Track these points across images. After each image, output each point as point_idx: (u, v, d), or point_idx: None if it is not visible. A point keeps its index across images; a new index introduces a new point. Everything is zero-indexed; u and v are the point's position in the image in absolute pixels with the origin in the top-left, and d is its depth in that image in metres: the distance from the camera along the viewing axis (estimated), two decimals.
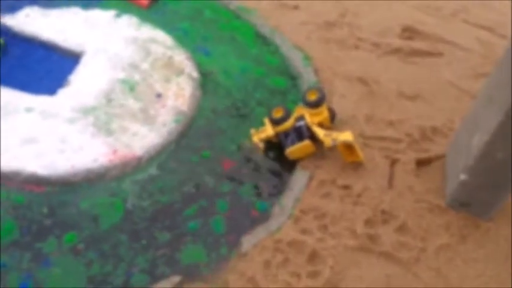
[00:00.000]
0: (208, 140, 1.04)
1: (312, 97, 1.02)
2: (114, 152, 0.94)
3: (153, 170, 0.96)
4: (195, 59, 1.19)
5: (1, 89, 1.00)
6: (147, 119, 1.02)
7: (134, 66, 1.11)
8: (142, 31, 1.21)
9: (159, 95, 1.07)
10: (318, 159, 1.02)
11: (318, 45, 1.33)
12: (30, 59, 1.11)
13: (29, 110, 0.97)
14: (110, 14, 1.24)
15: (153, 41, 1.19)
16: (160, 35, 1.22)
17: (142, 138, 0.98)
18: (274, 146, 1.02)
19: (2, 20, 1.16)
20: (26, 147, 0.91)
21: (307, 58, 1.28)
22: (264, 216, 0.92)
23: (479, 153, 0.89)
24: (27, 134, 0.93)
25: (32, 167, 0.89)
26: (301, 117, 1.01)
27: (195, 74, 1.15)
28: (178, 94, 1.09)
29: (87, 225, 0.84)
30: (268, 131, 1.01)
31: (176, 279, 0.81)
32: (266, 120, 1.02)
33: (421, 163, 1.06)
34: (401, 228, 0.93)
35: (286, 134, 1.01)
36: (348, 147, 0.98)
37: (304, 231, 0.90)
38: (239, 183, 0.97)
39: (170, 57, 1.16)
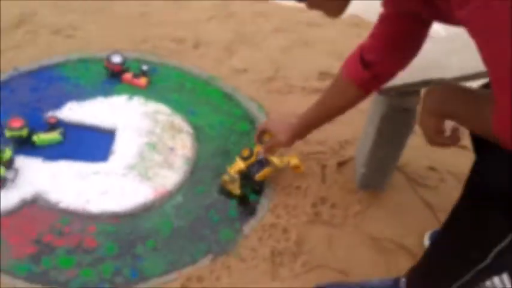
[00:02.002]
0: (207, 173, 1.57)
1: (245, 153, 1.46)
2: (155, 190, 1.45)
3: (179, 198, 1.47)
4: (187, 119, 1.65)
5: (73, 163, 1.50)
6: (168, 165, 1.54)
7: (151, 132, 1.61)
8: (149, 106, 1.71)
9: (171, 149, 1.59)
10: (277, 175, 1.57)
11: (265, 96, 1.78)
12: (83, 139, 1.54)
13: (95, 173, 1.46)
14: (124, 98, 1.72)
15: (158, 112, 1.69)
16: (161, 106, 1.70)
17: (169, 178, 1.49)
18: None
19: (52, 114, 1.63)
20: (102, 196, 1.41)
21: (260, 106, 1.77)
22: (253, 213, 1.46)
23: (368, 155, 1.47)
24: (100, 188, 1.41)
25: (110, 207, 1.39)
26: (259, 152, 1.44)
27: (190, 130, 1.65)
28: (183, 146, 1.60)
29: (154, 236, 1.36)
30: (240, 165, 1.41)
31: (210, 256, 1.34)
32: (237, 158, 1.43)
33: (340, 164, 1.56)
34: (333, 206, 1.44)
35: (252, 165, 1.43)
36: (295, 165, 1.49)
37: (277, 217, 1.42)
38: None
39: (172, 122, 1.67)
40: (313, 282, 1.26)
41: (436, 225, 1.41)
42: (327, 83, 1.91)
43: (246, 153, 1.45)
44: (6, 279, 1.19)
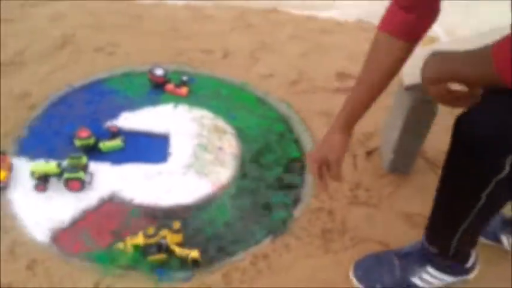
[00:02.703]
0: (254, 167, 1.76)
1: (176, 226, 1.41)
2: (213, 184, 1.64)
3: (234, 190, 1.66)
4: (228, 122, 1.83)
5: (137, 165, 1.68)
6: (220, 163, 1.72)
7: (200, 135, 1.80)
8: (193, 112, 1.90)
9: (220, 148, 1.77)
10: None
11: (292, 97, 1.96)
12: (141, 144, 1.71)
13: (159, 173, 1.65)
14: (170, 106, 1.91)
15: (202, 117, 1.88)
16: (204, 112, 1.89)
17: (222, 174, 1.67)
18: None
19: (112, 124, 1.82)
20: (169, 192, 1.59)
21: (289, 106, 1.96)
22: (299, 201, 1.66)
23: (396, 143, 1.68)
24: (165, 186, 1.59)
25: (182, 201, 1.56)
26: (163, 237, 1.40)
27: (233, 131, 1.86)
28: (230, 145, 1.79)
29: (218, 223, 1.54)
30: (140, 240, 1.39)
31: (270, 237, 1.53)
32: (141, 232, 1.40)
33: (368, 153, 1.75)
34: (367, 189, 1.64)
35: (151, 246, 1.38)
36: (193, 257, 1.37)
37: (321, 202, 1.59)
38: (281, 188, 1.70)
39: (216, 125, 1.86)
40: (361, 253, 1.45)
41: None
42: (345, 83, 2.13)
43: (150, 231, 1.39)
44: (92, 268, 1.37)
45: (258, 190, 1.65)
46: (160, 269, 1.38)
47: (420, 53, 1.62)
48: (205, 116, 1.89)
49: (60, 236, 1.45)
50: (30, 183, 1.56)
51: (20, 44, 2.16)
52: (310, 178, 1.70)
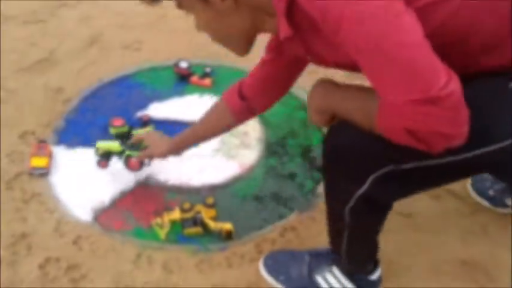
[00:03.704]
0: (279, 149, 1.84)
1: (210, 201, 1.50)
2: (240, 165, 1.71)
3: (261, 169, 1.71)
4: None
5: None
6: (245, 146, 1.80)
7: None
8: None
9: (245, 133, 1.85)
10: None
11: (310, 83, 2.15)
12: (172, 131, 1.77)
13: (190, 156, 1.72)
14: (196, 96, 1.99)
15: None
16: None
17: (249, 156, 1.74)
18: None
19: (142, 113, 1.91)
20: (200, 173, 1.66)
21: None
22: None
23: None
24: (198, 167, 1.67)
25: (212, 181, 1.64)
26: (198, 212, 1.48)
27: (256, 118, 1.95)
28: (254, 129, 1.85)
29: (248, 200, 1.62)
30: (176, 215, 1.46)
31: (297, 212, 1.61)
32: (177, 207, 1.49)
33: None
34: None
35: (187, 220, 1.46)
36: (227, 230, 1.46)
37: None
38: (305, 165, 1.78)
39: None
40: (385, 225, 1.52)
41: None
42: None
43: (186, 205, 1.47)
44: (134, 242, 1.46)
45: (283, 169, 1.72)
46: (197, 240, 1.46)
47: None
48: None
49: (102, 215, 1.54)
50: (70, 168, 1.66)
51: (52, 43, 2.27)
52: None
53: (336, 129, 0.98)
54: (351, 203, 1.01)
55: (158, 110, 1.93)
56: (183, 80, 2.09)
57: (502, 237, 1.49)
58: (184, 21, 2.40)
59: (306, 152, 1.80)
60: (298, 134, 1.87)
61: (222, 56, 2.25)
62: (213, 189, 1.63)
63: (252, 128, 1.86)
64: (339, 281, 1.24)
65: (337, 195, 1.05)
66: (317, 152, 1.79)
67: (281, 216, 1.56)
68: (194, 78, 2.09)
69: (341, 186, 1.01)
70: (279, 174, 1.71)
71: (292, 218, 1.55)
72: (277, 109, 1.96)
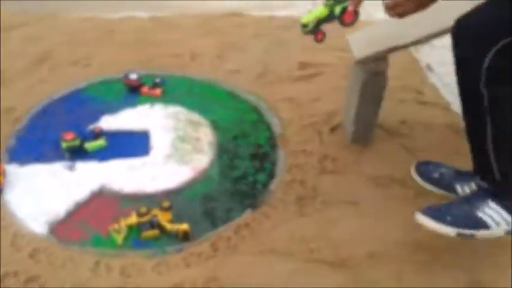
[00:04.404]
0: (230, 152, 1.88)
1: (165, 204, 1.52)
2: (193, 169, 1.74)
3: (215, 171, 1.75)
4: (203, 116, 1.96)
5: (122, 160, 1.78)
6: (198, 151, 1.83)
7: (177, 128, 1.90)
8: (169, 109, 2.00)
9: (197, 138, 1.89)
10: (284, 143, 1.90)
11: (260, 88, 2.08)
12: (124, 142, 1.81)
13: (143, 164, 1.76)
14: (147, 106, 2.01)
15: (177, 112, 1.98)
16: (179, 108, 2.00)
17: (201, 160, 1.79)
18: None
19: (93, 126, 1.92)
20: (154, 180, 1.69)
21: (258, 97, 2.09)
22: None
23: (355, 116, 1.82)
24: (151, 174, 1.70)
25: (167, 186, 1.67)
26: (155, 215, 1.51)
27: (207, 123, 1.99)
28: (206, 134, 1.89)
29: (203, 202, 1.66)
30: (133, 220, 1.49)
31: (250, 209, 1.65)
32: (134, 212, 1.51)
33: (332, 129, 1.87)
34: (334, 159, 1.76)
35: (144, 223, 1.48)
36: (184, 230, 1.49)
37: (293, 174, 1.70)
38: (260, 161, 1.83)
39: (191, 118, 1.97)
40: (333, 213, 1.59)
41: (414, 161, 1.77)
42: (306, 70, 2.28)
43: (143, 210, 1.49)
44: (91, 251, 1.47)
45: (236, 171, 1.77)
46: (154, 244, 1.49)
47: (366, 30, 1.78)
48: (180, 112, 2.01)
49: (58, 228, 1.54)
50: (24, 184, 1.66)
51: (2, 64, 2.25)
52: (282, 155, 1.83)
53: (462, 15, 1.22)
54: (483, 79, 1.17)
55: (110, 122, 1.95)
56: (133, 92, 2.12)
57: None
58: (131, 35, 2.45)
59: (256, 151, 1.85)
60: (248, 135, 1.92)
61: (171, 66, 2.29)
62: (168, 194, 1.66)
63: (204, 133, 1.90)
64: (499, 214, 1.33)
65: (468, 73, 1.22)
66: (266, 150, 1.84)
67: (235, 215, 1.60)
68: (145, 89, 2.11)
69: (469, 64, 1.19)
70: (232, 174, 1.75)
71: (246, 215, 1.60)
72: (228, 114, 2.03)
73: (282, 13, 2.79)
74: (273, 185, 1.71)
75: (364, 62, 1.65)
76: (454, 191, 1.61)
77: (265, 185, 1.71)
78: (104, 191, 1.67)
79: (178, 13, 2.76)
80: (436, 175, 1.64)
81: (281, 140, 1.90)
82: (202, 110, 2.03)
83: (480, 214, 1.36)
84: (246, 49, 2.45)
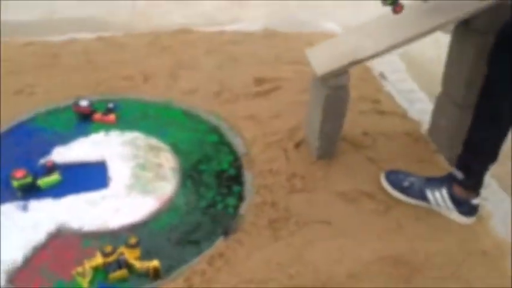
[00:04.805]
0: (194, 178, 1.80)
1: (132, 241, 1.42)
2: (158, 199, 1.66)
3: (181, 200, 1.67)
4: (161, 140, 1.87)
5: (80, 195, 1.66)
6: (161, 178, 1.73)
7: (136, 156, 1.79)
8: (126, 136, 1.88)
9: (158, 165, 1.80)
10: (250, 164, 1.84)
11: (218, 107, 2.03)
12: (80, 175, 1.69)
13: (103, 198, 1.63)
14: (102, 134, 1.90)
15: (135, 138, 1.87)
16: (136, 134, 1.89)
17: (166, 188, 1.70)
18: None
19: (47, 160, 1.77)
20: (116, 214, 1.59)
21: (217, 116, 2.03)
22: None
23: (319, 131, 1.78)
24: (113, 208, 1.59)
25: (131, 220, 1.56)
26: (121, 254, 1.41)
27: (167, 147, 1.89)
28: (167, 160, 1.80)
29: (173, 232, 1.56)
30: (98, 260, 1.38)
31: (222, 237, 1.57)
32: (98, 252, 1.39)
33: (297, 146, 1.84)
34: (302, 177, 1.71)
35: (110, 264, 1.37)
36: (154, 267, 1.39)
37: (263, 196, 1.64)
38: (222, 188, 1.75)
39: (149, 143, 1.87)
40: (307, 234, 1.54)
41: (379, 172, 1.75)
42: (263, 86, 2.23)
43: (108, 249, 1.39)
44: None
45: (203, 196, 1.68)
46: (123, 285, 1.38)
47: (325, 45, 1.75)
48: (137, 137, 1.90)
49: (17, 277, 1.40)
50: None
51: None
52: (249, 176, 1.76)
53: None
54: None
55: (62, 154, 1.81)
56: (85, 119, 1.99)
57: (418, 229, 1.56)
58: (78, 58, 2.31)
59: (221, 174, 1.77)
60: (211, 157, 1.84)
61: (123, 89, 2.18)
62: (133, 228, 1.55)
63: (165, 159, 1.81)
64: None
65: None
66: (232, 172, 1.77)
67: (207, 244, 1.51)
68: (97, 116, 1.99)
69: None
70: (199, 201, 1.67)
71: (219, 244, 1.52)
72: (188, 136, 1.94)
73: (231, 28, 2.74)
74: (244, 209, 1.64)
75: (326, 78, 1.61)
76: (425, 198, 1.62)
77: (235, 209, 1.64)
78: (63, 230, 1.54)
79: (125, 32, 2.64)
80: (406, 184, 1.65)
81: (246, 160, 1.84)
82: (161, 134, 1.93)
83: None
84: (199, 67, 2.37)
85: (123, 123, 1.98)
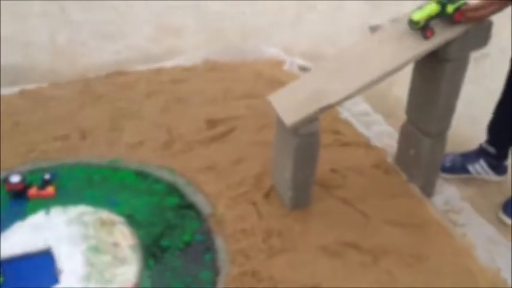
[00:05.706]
0: (160, 253, 1.55)
1: None
2: (122, 287, 1.41)
3: (148, 283, 1.43)
4: (113, 211, 1.61)
5: None
6: (121, 261, 1.47)
7: (86, 236, 1.51)
8: (70, 212, 1.59)
9: (115, 244, 1.54)
10: (218, 226, 1.62)
11: (171, 160, 1.80)
12: (23, 270, 1.40)
13: None
14: (41, 214, 1.59)
15: (82, 214, 1.59)
16: (82, 208, 1.60)
17: (127, 273, 1.43)
18: None
19: None
20: None
21: (171, 172, 1.76)
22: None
23: (291, 180, 1.60)
24: None
25: None
26: None
27: (122, 220, 1.62)
28: (124, 237, 1.55)
29: None
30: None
31: None
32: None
33: (266, 196, 1.67)
34: (279, 234, 1.52)
35: None
36: None
37: (240, 265, 1.44)
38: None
39: (100, 218, 1.59)
40: None
41: (356, 215, 1.61)
42: (217, 129, 2.01)
43: None
44: None
45: (172, 275, 1.45)
46: None
47: (289, 89, 1.57)
48: (84, 212, 1.62)
49: None
50: None
51: None
52: (220, 241, 1.55)
53: None
54: None
55: None
56: (19, 198, 1.67)
57: (411, 276, 1.45)
58: (1, 121, 1.97)
59: (189, 245, 1.55)
60: (174, 226, 1.60)
61: (59, 152, 1.88)
62: None
63: (122, 235, 1.55)
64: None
65: None
66: (200, 240, 1.56)
67: None
68: (32, 191, 1.68)
69: None
70: (168, 283, 1.43)
71: None
72: (143, 201, 1.68)
73: (170, 63, 2.49)
74: (221, 283, 1.43)
75: (296, 126, 1.43)
76: (467, 171, 1.85)
77: (213, 285, 1.42)
78: None
79: (50, 82, 2.32)
80: (448, 164, 1.84)
81: (213, 221, 1.62)
82: (112, 204, 1.66)
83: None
84: (141, 114, 2.11)
85: (65, 196, 1.69)
